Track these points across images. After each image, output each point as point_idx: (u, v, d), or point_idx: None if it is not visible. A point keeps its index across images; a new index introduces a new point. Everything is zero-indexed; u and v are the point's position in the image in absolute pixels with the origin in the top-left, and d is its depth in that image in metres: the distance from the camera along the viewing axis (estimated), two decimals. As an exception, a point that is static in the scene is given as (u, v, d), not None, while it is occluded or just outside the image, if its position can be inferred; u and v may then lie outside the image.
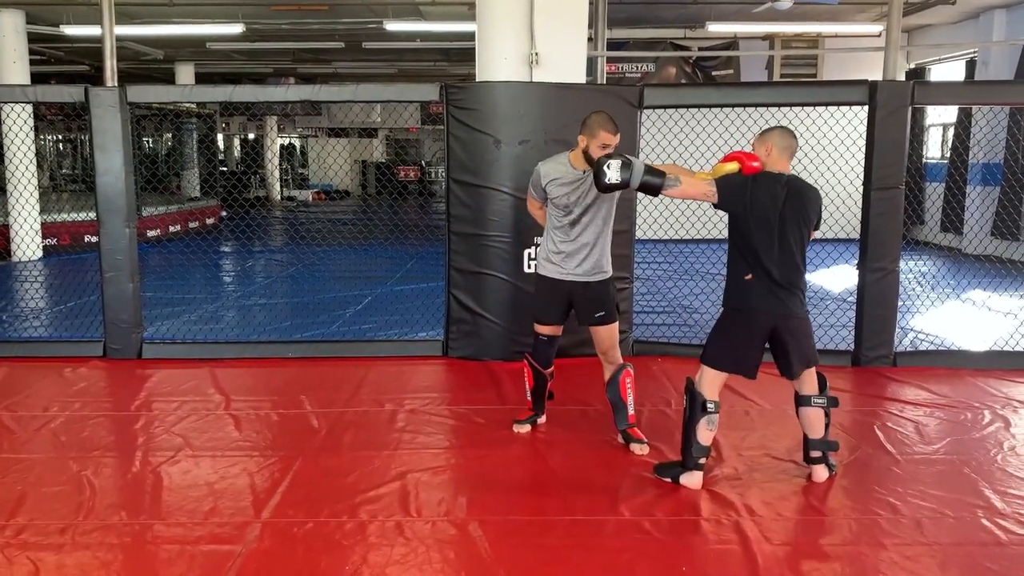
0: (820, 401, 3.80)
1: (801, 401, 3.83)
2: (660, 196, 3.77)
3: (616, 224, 5.90)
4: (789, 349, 3.71)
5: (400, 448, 4.27)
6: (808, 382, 3.81)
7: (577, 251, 4.12)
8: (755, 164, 3.67)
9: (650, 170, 3.67)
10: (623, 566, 3.11)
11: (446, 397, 5.14)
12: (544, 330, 4.32)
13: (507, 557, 3.17)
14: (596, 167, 3.71)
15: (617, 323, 4.22)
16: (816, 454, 3.84)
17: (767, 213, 3.63)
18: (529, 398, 4.51)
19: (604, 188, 3.72)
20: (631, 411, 4.21)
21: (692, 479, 3.75)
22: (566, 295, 4.18)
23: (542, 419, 4.54)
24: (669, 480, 3.80)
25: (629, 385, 4.20)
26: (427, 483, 3.83)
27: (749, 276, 3.67)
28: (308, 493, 3.72)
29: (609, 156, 3.71)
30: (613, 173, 3.64)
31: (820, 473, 3.83)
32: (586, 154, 4.00)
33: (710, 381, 3.74)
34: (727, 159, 3.74)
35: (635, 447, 4.17)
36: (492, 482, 3.85)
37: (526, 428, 4.46)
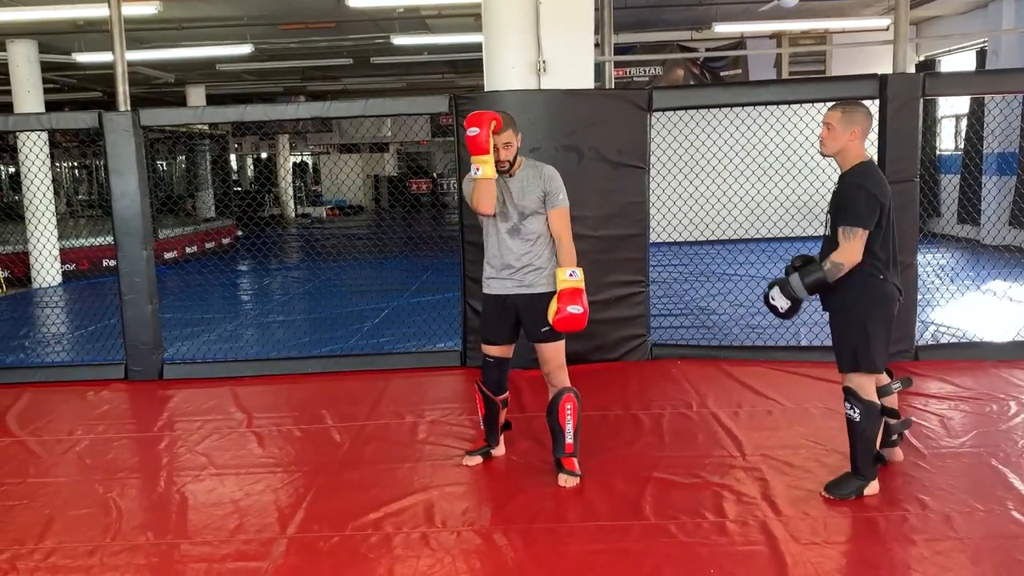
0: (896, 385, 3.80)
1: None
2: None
3: (628, 228, 6.01)
4: None
5: (422, 460, 4.27)
6: None
7: (519, 262, 3.88)
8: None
9: (808, 270, 3.50)
10: (650, 571, 3.09)
11: (466, 407, 5.13)
12: (491, 351, 4.04)
13: (533, 565, 3.16)
14: (765, 301, 3.66)
15: (563, 341, 3.92)
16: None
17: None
18: (482, 427, 4.23)
19: (782, 315, 3.64)
20: (569, 440, 3.87)
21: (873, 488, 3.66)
22: (512, 311, 3.94)
23: (497, 451, 4.25)
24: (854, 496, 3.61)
25: (570, 412, 3.85)
26: (450, 493, 3.83)
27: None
28: (332, 507, 3.73)
29: (774, 283, 3.62)
30: (780, 301, 3.56)
31: (898, 454, 3.92)
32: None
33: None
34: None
35: (564, 478, 3.86)
36: (515, 490, 3.84)
37: (476, 460, 4.16)
